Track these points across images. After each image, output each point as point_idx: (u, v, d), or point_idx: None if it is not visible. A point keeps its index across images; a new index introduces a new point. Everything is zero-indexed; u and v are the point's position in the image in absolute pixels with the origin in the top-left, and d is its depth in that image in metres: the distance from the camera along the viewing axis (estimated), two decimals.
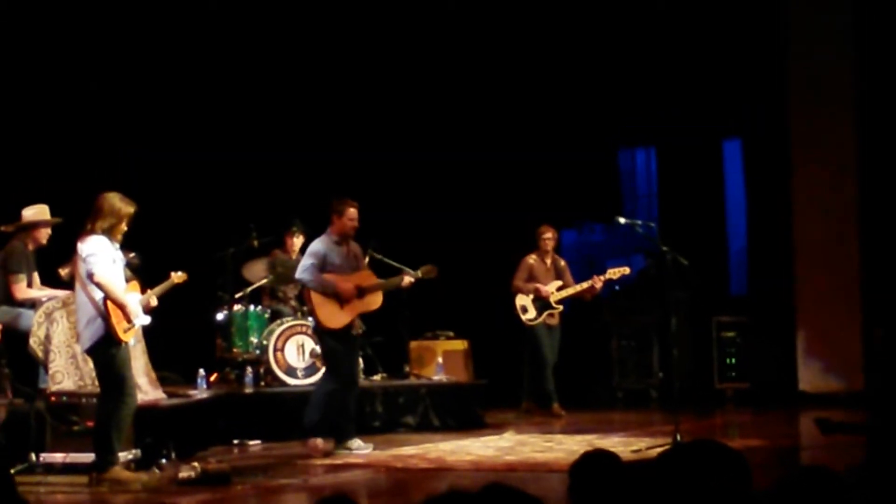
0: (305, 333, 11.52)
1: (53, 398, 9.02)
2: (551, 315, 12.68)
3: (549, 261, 12.84)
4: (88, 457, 8.40)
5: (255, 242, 12.02)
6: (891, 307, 11.75)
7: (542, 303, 12.64)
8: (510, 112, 14.54)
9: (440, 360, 12.72)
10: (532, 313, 12.65)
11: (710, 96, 14.06)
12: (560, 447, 10.01)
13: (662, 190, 15.35)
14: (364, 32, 14.04)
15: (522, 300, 12.68)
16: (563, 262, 12.95)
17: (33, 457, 8.65)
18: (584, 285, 12.61)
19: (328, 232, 10.11)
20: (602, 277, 12.54)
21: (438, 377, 12.45)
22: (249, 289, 12.11)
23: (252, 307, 11.98)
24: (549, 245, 12.83)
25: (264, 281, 12.16)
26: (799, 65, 13.59)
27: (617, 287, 13.79)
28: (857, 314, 13.30)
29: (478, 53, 14.28)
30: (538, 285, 12.65)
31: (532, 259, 12.81)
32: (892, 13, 12.94)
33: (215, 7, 13.45)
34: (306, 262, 10.03)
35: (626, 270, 12.64)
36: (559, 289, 12.69)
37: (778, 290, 13.82)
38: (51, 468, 8.62)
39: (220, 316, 12.02)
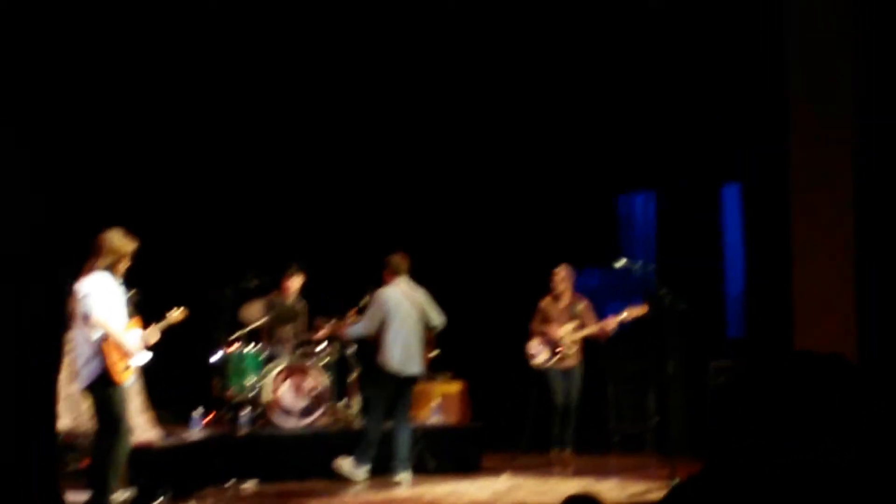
0: (303, 374, 11.51)
1: None
2: (563, 358, 12.39)
3: (563, 303, 12.55)
4: (83, 495, 8.38)
5: (253, 283, 12.01)
6: (887, 354, 11.73)
7: (552, 346, 12.44)
8: (509, 156, 14.55)
9: (436, 402, 12.60)
10: (541, 357, 12.40)
11: (710, 141, 14.07)
12: (555, 491, 9.98)
13: (661, 234, 15.33)
14: (356, 78, 14.08)
15: (532, 344, 12.45)
16: (582, 304, 12.59)
17: None
18: (595, 327, 12.43)
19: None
20: (616, 318, 12.32)
21: (435, 419, 12.38)
22: (246, 329, 12.08)
23: (248, 348, 11.95)
24: (559, 286, 12.51)
25: (260, 322, 12.13)
26: (799, 110, 13.61)
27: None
28: (855, 361, 13.25)
29: (477, 95, 14.31)
30: (548, 328, 12.45)
31: (545, 302, 12.57)
32: (894, 62, 12.98)
33: (205, 46, 13.46)
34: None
35: (644, 310, 12.17)
36: (575, 330, 12.47)
37: (776, 335, 13.78)
38: None
39: (215, 356, 11.99)
